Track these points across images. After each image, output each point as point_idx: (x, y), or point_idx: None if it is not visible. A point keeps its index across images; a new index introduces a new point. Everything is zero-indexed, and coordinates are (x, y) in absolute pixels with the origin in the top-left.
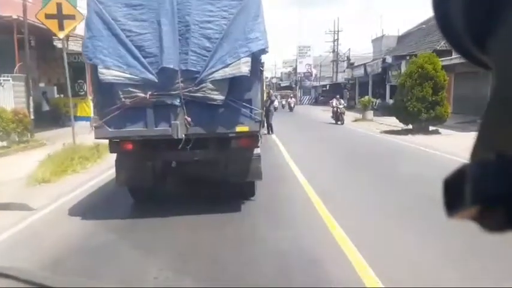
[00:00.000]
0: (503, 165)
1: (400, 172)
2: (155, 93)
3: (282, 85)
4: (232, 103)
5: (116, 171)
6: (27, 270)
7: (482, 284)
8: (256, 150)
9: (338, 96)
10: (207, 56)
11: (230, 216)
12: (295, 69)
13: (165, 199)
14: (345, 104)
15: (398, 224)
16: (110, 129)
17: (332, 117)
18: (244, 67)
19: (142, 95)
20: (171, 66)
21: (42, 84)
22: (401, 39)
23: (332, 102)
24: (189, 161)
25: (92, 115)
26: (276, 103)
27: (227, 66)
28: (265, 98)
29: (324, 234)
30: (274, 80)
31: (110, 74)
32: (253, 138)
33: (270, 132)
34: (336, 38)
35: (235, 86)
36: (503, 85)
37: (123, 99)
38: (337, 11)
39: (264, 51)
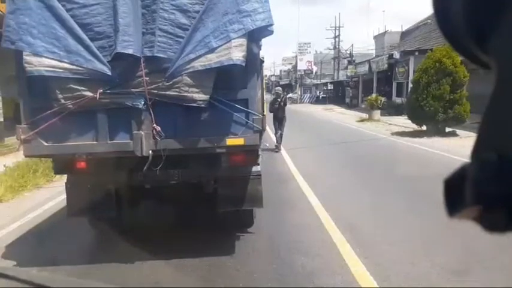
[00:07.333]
0: (504, 165)
1: None
2: (108, 92)
3: (281, 83)
4: (221, 105)
5: (67, 197)
6: (26, 271)
7: None
8: (256, 168)
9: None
10: (182, 37)
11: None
12: (294, 66)
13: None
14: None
15: None
16: (45, 144)
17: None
18: (236, 52)
19: (90, 94)
20: (131, 52)
21: None
22: (403, 35)
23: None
24: (164, 184)
25: (20, 124)
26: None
27: (212, 51)
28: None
29: None
30: (273, 78)
31: (40, 63)
32: (250, 154)
33: (279, 144)
34: (337, 34)
35: (224, 81)
36: (504, 85)
37: (62, 101)
38: (337, 9)
39: (266, 30)
